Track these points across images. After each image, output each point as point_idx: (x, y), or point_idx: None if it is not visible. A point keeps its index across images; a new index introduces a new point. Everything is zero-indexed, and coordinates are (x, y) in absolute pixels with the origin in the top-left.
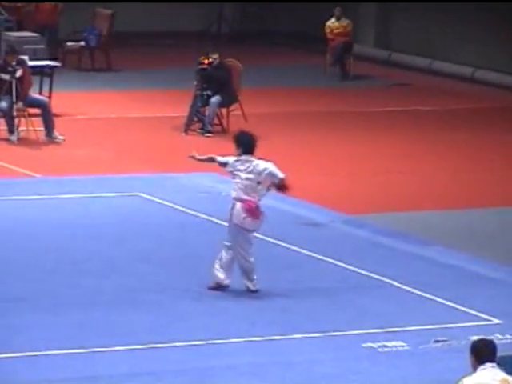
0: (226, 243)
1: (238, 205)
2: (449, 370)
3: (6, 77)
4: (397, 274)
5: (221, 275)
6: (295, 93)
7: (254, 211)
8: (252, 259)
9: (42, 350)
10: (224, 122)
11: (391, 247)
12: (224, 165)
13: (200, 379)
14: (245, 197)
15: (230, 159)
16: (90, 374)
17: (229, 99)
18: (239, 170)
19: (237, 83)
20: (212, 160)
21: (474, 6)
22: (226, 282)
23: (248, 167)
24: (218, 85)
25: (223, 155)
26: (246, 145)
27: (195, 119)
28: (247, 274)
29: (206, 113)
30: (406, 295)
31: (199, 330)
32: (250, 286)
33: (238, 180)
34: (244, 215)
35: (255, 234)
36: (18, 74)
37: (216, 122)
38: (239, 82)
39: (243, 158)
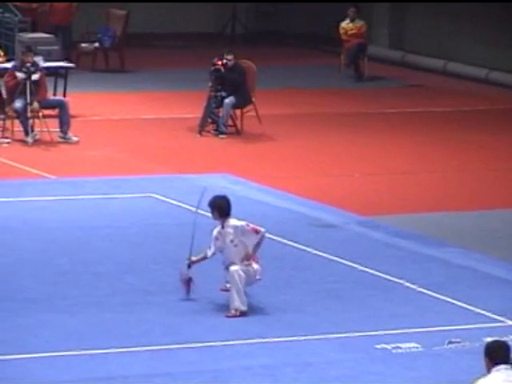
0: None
1: (255, 265)
2: (463, 372)
3: (21, 75)
4: (411, 276)
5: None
6: (309, 94)
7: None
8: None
9: (57, 351)
10: (238, 123)
11: (405, 248)
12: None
13: (214, 380)
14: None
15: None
16: (103, 374)
17: (243, 100)
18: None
19: (251, 84)
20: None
21: (488, 7)
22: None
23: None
24: (232, 86)
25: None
26: (220, 209)
27: (209, 120)
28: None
29: (220, 114)
30: (419, 296)
31: (213, 331)
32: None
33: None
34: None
35: (268, 235)
36: (36, 76)
37: (230, 123)
38: (254, 84)
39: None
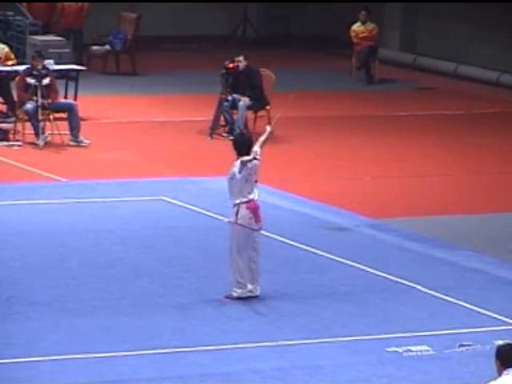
0: (236, 252)
1: (243, 207)
2: (474, 375)
3: (32, 81)
4: (422, 279)
5: (249, 286)
6: (320, 97)
7: (257, 211)
8: (257, 263)
9: (67, 354)
10: (250, 125)
11: (417, 251)
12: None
13: (225, 383)
14: (244, 199)
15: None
16: (114, 377)
17: (258, 103)
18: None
19: (268, 92)
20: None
21: (500, 10)
22: (255, 292)
23: (241, 168)
24: (245, 88)
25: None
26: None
27: (222, 122)
28: (253, 276)
29: (235, 117)
30: (431, 299)
31: (224, 334)
32: (253, 289)
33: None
34: (250, 216)
35: (279, 238)
36: (46, 81)
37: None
38: (270, 92)
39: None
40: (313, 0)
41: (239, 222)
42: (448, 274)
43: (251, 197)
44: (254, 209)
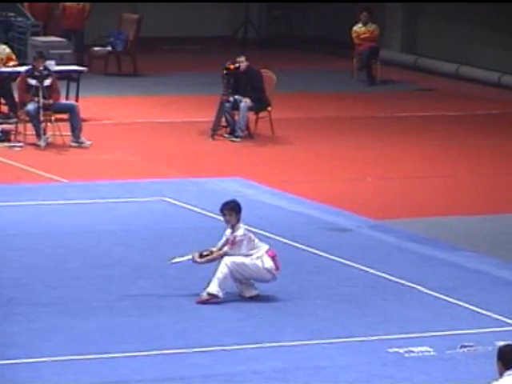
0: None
1: (265, 256)
2: (475, 376)
3: (33, 82)
4: (424, 280)
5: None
6: (321, 98)
7: (276, 258)
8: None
9: (68, 355)
10: (252, 127)
11: (418, 252)
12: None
13: None
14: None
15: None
16: (115, 379)
17: (259, 104)
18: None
19: (269, 94)
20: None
21: (501, 11)
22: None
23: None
24: (246, 89)
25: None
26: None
27: (223, 123)
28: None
29: (236, 118)
30: (432, 300)
31: (225, 335)
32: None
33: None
34: (274, 266)
35: (280, 239)
36: (48, 82)
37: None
38: (271, 93)
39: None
40: (314, 0)
41: (266, 267)
42: (449, 274)
43: (265, 247)
44: (273, 256)
